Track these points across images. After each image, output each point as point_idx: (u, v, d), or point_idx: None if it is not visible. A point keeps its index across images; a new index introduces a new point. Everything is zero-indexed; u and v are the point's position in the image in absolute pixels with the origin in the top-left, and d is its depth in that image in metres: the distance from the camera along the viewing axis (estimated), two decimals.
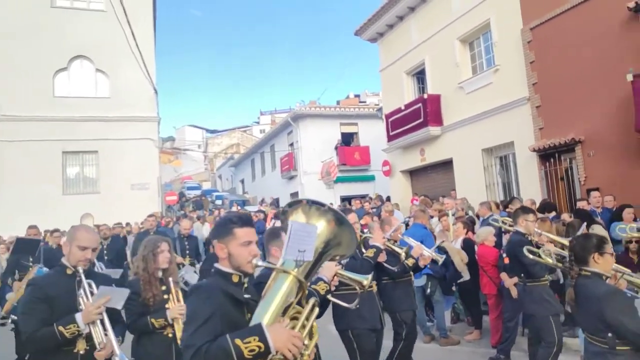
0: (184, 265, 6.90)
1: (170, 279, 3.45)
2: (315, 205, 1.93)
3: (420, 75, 15.15)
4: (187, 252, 7.75)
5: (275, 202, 22.27)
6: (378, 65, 16.83)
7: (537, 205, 8.27)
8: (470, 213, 8.77)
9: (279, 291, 1.80)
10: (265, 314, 1.75)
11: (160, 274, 3.48)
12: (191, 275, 5.93)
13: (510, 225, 5.35)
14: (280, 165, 24.42)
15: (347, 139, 22.89)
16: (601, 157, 9.07)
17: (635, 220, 6.82)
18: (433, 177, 14.58)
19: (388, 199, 15.02)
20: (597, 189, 8.40)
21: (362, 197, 16.83)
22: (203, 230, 13.06)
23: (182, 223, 8.47)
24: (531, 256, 4.29)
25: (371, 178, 21.09)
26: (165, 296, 3.42)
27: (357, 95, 49.45)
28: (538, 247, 4.44)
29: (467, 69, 12.79)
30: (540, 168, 10.35)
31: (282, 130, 24.43)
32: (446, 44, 13.09)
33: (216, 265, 2.06)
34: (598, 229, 6.13)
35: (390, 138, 15.32)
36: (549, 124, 10.14)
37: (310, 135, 21.75)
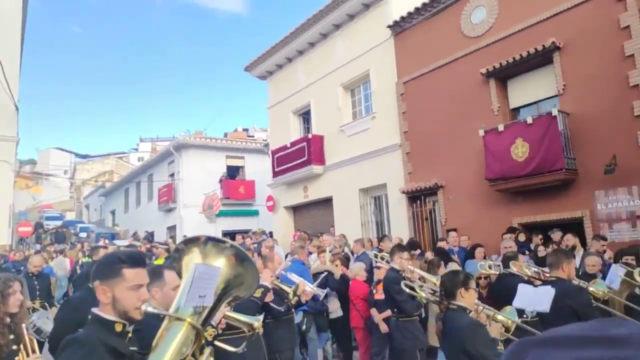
0: (35, 309, 6.01)
1: (24, 325, 2.94)
2: (214, 241, 1.75)
3: (306, 116, 15.75)
4: (37, 293, 6.79)
5: (149, 236, 20.85)
6: (267, 101, 17.16)
7: (405, 243, 8.95)
8: (347, 250, 9.14)
9: (173, 342, 1.57)
10: None
11: (8, 319, 2.97)
12: (44, 321, 5.16)
13: (387, 262, 5.68)
14: (158, 197, 23.10)
15: (233, 172, 22.61)
16: (459, 201, 10.19)
17: (484, 258, 7.73)
18: (314, 214, 14.99)
19: (271, 234, 15.02)
20: (454, 230, 9.38)
21: (245, 232, 16.59)
22: (66, 265, 11.66)
23: (32, 259, 7.33)
24: (408, 290, 4.53)
25: (255, 213, 20.97)
26: (15, 347, 2.90)
27: (245, 129, 49.44)
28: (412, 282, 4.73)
29: (348, 114, 13.64)
30: (408, 209, 11.27)
31: (163, 159, 23.31)
32: (330, 89, 13.87)
33: (95, 311, 1.81)
34: (454, 266, 6.82)
35: (275, 174, 15.50)
36: (417, 169, 11.18)
37: (194, 167, 21.07)
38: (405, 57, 11.61)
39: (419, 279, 4.98)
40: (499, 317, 3.44)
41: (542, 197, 8.69)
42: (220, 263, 1.71)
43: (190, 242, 1.77)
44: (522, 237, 8.00)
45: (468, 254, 8.02)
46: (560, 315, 3.47)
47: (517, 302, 3.74)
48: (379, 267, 6.18)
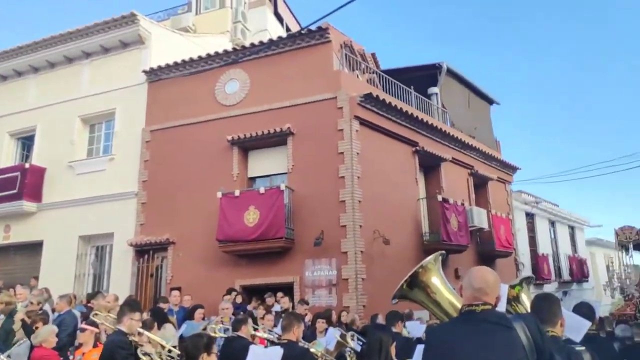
0: None
1: None
2: None
3: (27, 142, 13.37)
4: None
5: None
6: None
7: (123, 300, 8.23)
8: (48, 306, 7.76)
9: None
10: None
11: None
12: None
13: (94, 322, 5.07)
14: None
15: None
16: (188, 259, 10.14)
17: (203, 319, 7.77)
18: (15, 260, 12.39)
19: None
20: (179, 288, 9.19)
21: None
22: None
23: None
24: (145, 358, 4.18)
25: None
26: None
27: None
28: (136, 348, 4.32)
29: (82, 150, 12.24)
30: (134, 263, 10.55)
31: None
32: (65, 118, 12.27)
33: None
34: (169, 328, 6.60)
35: None
36: (150, 221, 10.71)
37: None
38: (157, 106, 11.40)
39: (147, 343, 4.61)
40: None
41: (264, 262, 9.49)
42: None
43: None
44: (239, 299, 8.44)
45: (188, 315, 7.91)
46: None
47: None
48: (83, 330, 5.43)
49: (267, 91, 10.37)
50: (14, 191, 11.79)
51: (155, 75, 11.51)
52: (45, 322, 6.22)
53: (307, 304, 8.43)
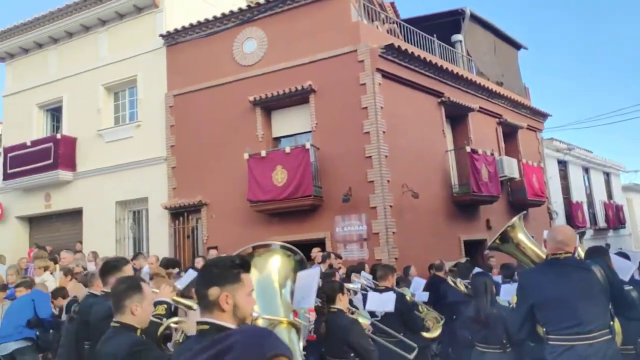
0: None
1: None
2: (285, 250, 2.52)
3: (56, 113, 13.68)
4: None
5: None
6: (2, 88, 14.19)
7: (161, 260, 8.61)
8: (93, 267, 8.18)
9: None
10: None
11: None
12: None
13: None
14: None
15: None
16: (221, 219, 10.42)
17: None
18: (58, 227, 13.01)
19: None
20: (215, 247, 9.54)
21: None
22: None
23: None
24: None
25: None
26: None
27: None
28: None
29: (109, 118, 12.44)
30: (170, 225, 10.92)
31: None
32: (89, 87, 12.39)
33: (215, 320, 1.77)
34: None
35: (7, 176, 12.83)
36: (182, 185, 10.97)
37: None
38: (178, 70, 11.37)
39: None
40: (360, 319, 4.28)
41: (294, 219, 9.66)
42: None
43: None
44: None
45: None
46: (392, 316, 4.52)
47: (369, 305, 4.55)
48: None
49: (286, 48, 10.15)
50: (50, 161, 12.18)
51: (172, 38, 11.40)
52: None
53: (341, 258, 8.60)
